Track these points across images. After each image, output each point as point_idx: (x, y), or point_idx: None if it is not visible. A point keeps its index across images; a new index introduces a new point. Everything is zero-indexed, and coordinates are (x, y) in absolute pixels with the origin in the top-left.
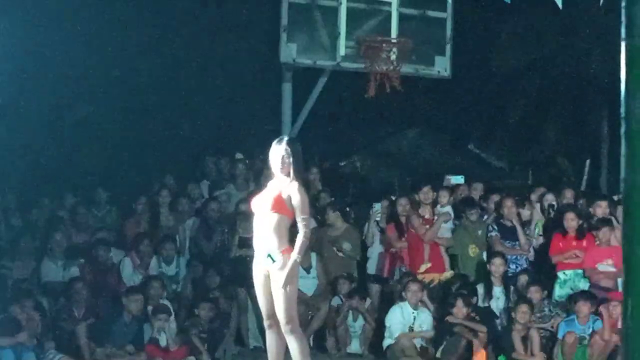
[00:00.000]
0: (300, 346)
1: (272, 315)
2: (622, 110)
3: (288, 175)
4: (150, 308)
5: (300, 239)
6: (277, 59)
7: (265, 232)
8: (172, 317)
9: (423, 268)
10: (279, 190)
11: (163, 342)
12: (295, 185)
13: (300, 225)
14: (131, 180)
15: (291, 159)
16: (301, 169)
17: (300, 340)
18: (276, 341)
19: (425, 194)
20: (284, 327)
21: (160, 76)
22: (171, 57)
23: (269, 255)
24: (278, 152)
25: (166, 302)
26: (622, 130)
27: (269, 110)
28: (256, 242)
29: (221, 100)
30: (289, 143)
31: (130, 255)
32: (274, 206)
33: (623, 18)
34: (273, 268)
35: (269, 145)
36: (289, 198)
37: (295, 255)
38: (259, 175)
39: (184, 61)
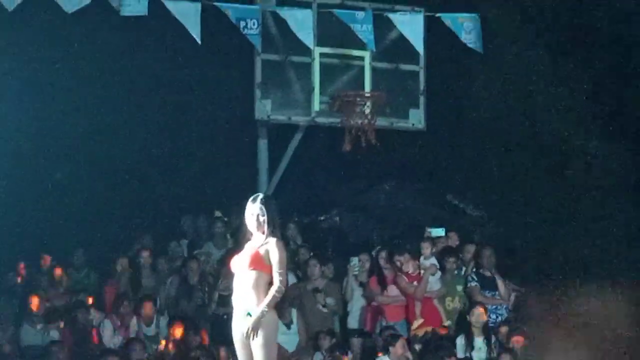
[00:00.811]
0: None
1: None
2: None
3: (264, 233)
4: None
5: (272, 291)
6: (252, 116)
7: (244, 289)
8: None
9: (416, 324)
10: (256, 248)
11: None
12: (273, 240)
13: (275, 279)
14: (108, 241)
15: (265, 217)
16: (277, 225)
17: None
18: None
19: (406, 262)
20: None
21: (135, 135)
22: (147, 117)
23: (249, 313)
24: (253, 211)
25: None
26: None
27: (245, 166)
28: (235, 301)
29: (197, 158)
30: (263, 201)
31: (110, 317)
32: (252, 263)
33: None
34: (249, 321)
35: (247, 202)
36: (267, 253)
37: (263, 306)
38: (238, 233)
39: (160, 120)
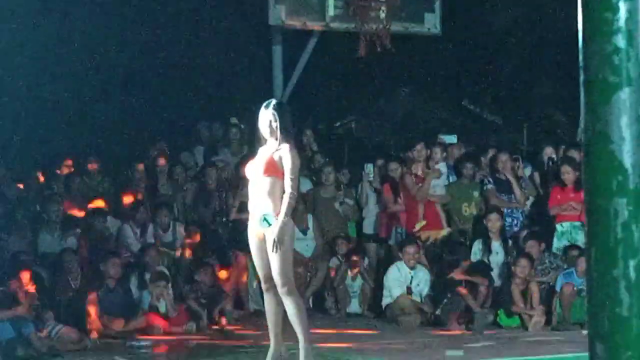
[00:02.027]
0: (297, 308)
1: (270, 278)
2: (580, 58)
3: (277, 139)
4: (148, 276)
5: (285, 200)
6: (267, 22)
7: (259, 196)
8: (170, 284)
9: (418, 226)
10: (270, 154)
11: (162, 309)
12: (286, 146)
13: (287, 185)
14: (124, 149)
15: (278, 123)
16: (290, 131)
17: (297, 302)
18: (274, 304)
19: (419, 151)
20: (280, 290)
21: (150, 43)
22: (162, 25)
23: (265, 219)
24: (265, 117)
25: (164, 269)
26: (581, 80)
27: (260, 73)
28: (251, 207)
29: (212, 65)
30: (276, 107)
31: (128, 224)
32: (267, 169)
33: None
34: (268, 231)
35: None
36: (280, 159)
37: (282, 217)
38: (253, 139)
39: (175, 28)
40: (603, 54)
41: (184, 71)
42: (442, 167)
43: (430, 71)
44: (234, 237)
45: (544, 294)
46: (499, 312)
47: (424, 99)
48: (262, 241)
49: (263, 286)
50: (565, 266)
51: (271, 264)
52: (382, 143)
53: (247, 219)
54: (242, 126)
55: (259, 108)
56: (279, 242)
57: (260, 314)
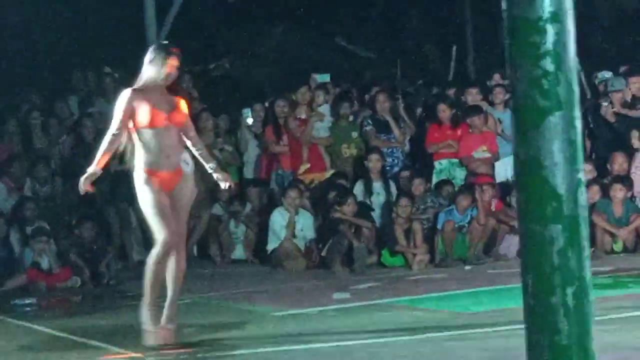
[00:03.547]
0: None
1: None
2: (509, 82)
3: (171, 87)
4: (29, 231)
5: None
6: None
7: (173, 141)
8: (52, 240)
9: (302, 169)
10: (176, 103)
11: (45, 265)
12: (184, 101)
13: (197, 137)
14: None
15: (178, 69)
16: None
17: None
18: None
19: (303, 94)
20: (182, 242)
21: None
22: None
23: (184, 161)
24: (170, 65)
25: (44, 225)
26: (511, 103)
27: (132, 19)
28: (162, 154)
29: (82, 11)
30: (178, 54)
31: (3, 180)
32: (182, 119)
33: None
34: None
35: (135, 56)
36: (183, 111)
37: (212, 161)
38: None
39: None
40: (532, 78)
41: (55, 18)
42: (324, 109)
43: (303, 9)
44: (114, 189)
45: (426, 232)
46: (382, 252)
47: (298, 37)
48: (167, 192)
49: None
50: (445, 203)
51: (182, 214)
52: (259, 84)
53: (127, 170)
54: (117, 75)
55: (133, 55)
56: (193, 187)
57: (143, 265)
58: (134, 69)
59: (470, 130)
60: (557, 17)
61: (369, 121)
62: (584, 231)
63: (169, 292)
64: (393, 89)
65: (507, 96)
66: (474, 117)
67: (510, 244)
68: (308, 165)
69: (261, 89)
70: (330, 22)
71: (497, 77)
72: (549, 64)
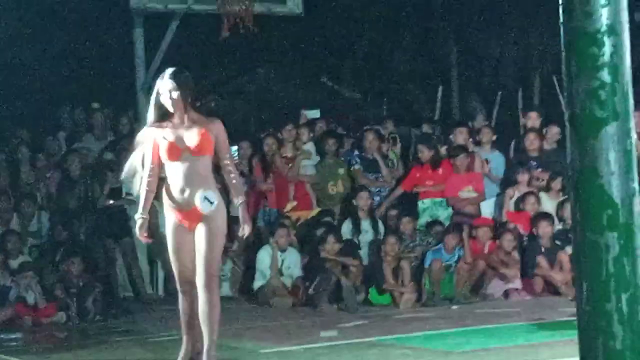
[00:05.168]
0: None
1: (194, 275)
2: (566, 94)
3: (184, 111)
4: (15, 266)
5: (237, 178)
6: (127, 4)
7: (192, 176)
8: (38, 275)
9: (289, 207)
10: (198, 130)
11: (31, 300)
12: (218, 122)
13: (231, 166)
14: None
15: (179, 93)
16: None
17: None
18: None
19: (288, 132)
20: (208, 284)
21: (8, 27)
22: (20, 6)
23: (206, 199)
24: (164, 89)
25: (29, 259)
26: (566, 115)
27: (122, 57)
28: (177, 190)
29: (72, 49)
30: (173, 76)
31: None
32: (202, 148)
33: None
34: (212, 213)
35: (124, 93)
36: (215, 137)
37: (243, 198)
38: (118, 125)
39: (34, 10)
40: (589, 89)
41: (44, 55)
42: (310, 147)
43: (290, 49)
44: (100, 225)
45: (414, 271)
46: (370, 290)
47: (284, 76)
48: (191, 230)
49: (184, 287)
50: (433, 242)
51: (204, 253)
52: (244, 122)
53: (120, 206)
54: (105, 111)
55: (122, 92)
56: (220, 226)
57: (129, 300)
58: (123, 105)
59: (456, 170)
60: (614, 29)
61: (357, 159)
62: (639, 239)
63: (204, 338)
64: (381, 128)
65: (495, 137)
66: (459, 157)
67: (497, 285)
68: (295, 203)
69: (247, 128)
70: (316, 61)
71: (480, 118)
72: (606, 76)
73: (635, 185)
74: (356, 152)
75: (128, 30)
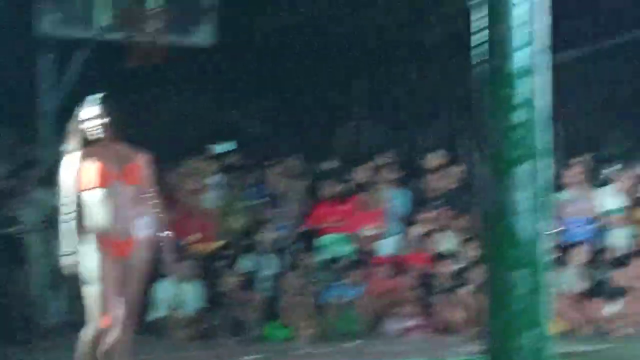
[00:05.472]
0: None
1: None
2: (483, 130)
3: (113, 140)
4: None
5: (160, 212)
6: (32, 33)
7: (121, 206)
8: None
9: (192, 239)
10: (127, 159)
11: None
12: (142, 155)
13: (154, 198)
14: None
15: (106, 120)
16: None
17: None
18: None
19: (193, 164)
20: (128, 320)
21: None
22: None
23: (135, 227)
24: (87, 116)
25: None
26: (478, 154)
27: (27, 86)
28: (101, 220)
29: None
30: (96, 102)
31: None
32: (133, 178)
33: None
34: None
35: (26, 123)
36: (139, 167)
37: (166, 229)
38: (13, 153)
39: None
40: (503, 129)
41: None
42: (216, 179)
43: (200, 80)
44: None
45: (314, 306)
46: (269, 324)
47: (193, 107)
48: (123, 263)
49: (102, 325)
50: (333, 278)
51: (131, 286)
52: (154, 153)
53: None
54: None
55: (24, 122)
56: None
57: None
58: (25, 131)
59: (360, 207)
60: (530, 70)
61: (261, 193)
62: (545, 277)
63: None
64: (287, 163)
65: (399, 175)
66: (363, 194)
67: (396, 322)
68: (197, 236)
69: (156, 158)
70: (225, 93)
71: (387, 155)
72: (520, 116)
73: (544, 224)
74: (261, 186)
75: (34, 59)
